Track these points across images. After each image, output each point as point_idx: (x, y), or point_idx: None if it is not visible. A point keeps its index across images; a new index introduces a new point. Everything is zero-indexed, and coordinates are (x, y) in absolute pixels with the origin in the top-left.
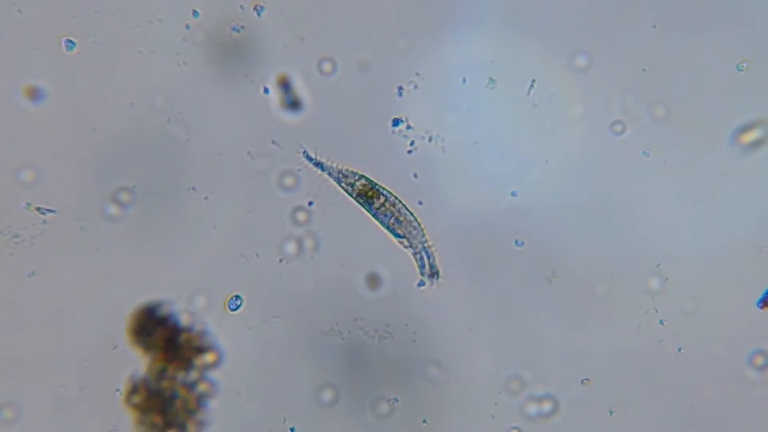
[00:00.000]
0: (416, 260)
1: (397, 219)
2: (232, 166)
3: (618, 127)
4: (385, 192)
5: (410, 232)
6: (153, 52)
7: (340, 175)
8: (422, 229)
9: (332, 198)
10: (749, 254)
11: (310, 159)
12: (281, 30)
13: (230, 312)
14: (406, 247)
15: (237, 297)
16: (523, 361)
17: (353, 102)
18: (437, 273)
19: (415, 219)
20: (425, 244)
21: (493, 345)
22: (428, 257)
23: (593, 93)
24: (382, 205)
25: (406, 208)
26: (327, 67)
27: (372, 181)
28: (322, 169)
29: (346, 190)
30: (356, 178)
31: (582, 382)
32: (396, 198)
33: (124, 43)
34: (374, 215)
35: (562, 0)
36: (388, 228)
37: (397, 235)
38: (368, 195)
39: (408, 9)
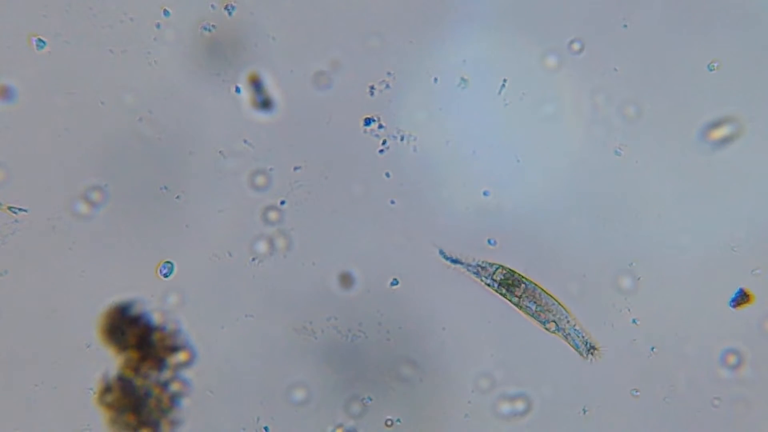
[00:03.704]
0: (569, 342)
1: (538, 305)
2: (203, 165)
3: (590, 127)
4: (524, 280)
5: (555, 316)
6: (124, 51)
7: (479, 269)
8: (566, 310)
9: (304, 197)
10: (721, 254)
11: (447, 257)
12: (252, 29)
13: (162, 278)
14: (553, 331)
15: (168, 263)
16: (495, 360)
17: (325, 101)
18: (594, 348)
19: (556, 301)
20: (573, 325)
21: (467, 344)
22: (579, 336)
23: (564, 92)
24: (524, 292)
25: (546, 292)
26: (299, 66)
27: (510, 269)
28: (461, 265)
29: (487, 283)
30: (494, 269)
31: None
32: (534, 284)
33: (95, 42)
34: (516, 304)
35: (533, 0)
36: (532, 315)
37: (543, 321)
38: (509, 284)
39: (380, 8)
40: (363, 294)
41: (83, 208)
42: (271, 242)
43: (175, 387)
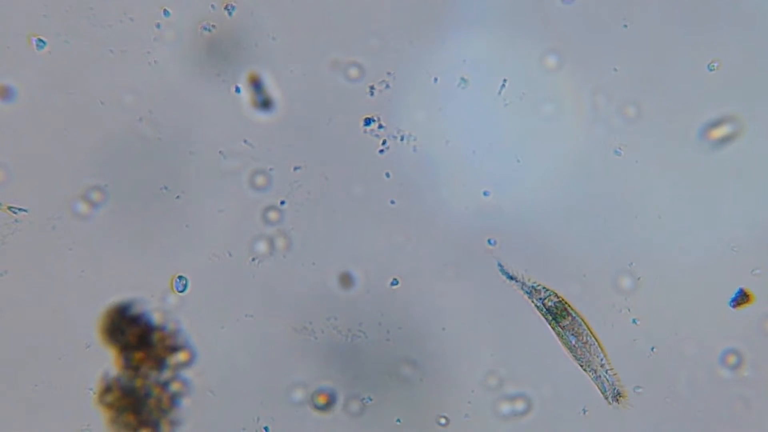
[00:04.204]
0: (597, 383)
1: (579, 340)
2: (203, 165)
3: (590, 127)
4: (572, 312)
5: (591, 355)
6: (124, 51)
7: (532, 290)
8: (603, 353)
9: (304, 197)
10: (721, 253)
11: (506, 273)
12: (252, 29)
13: (178, 293)
14: (585, 369)
15: (180, 277)
16: (496, 359)
17: (325, 101)
18: (620, 395)
19: (597, 342)
20: (606, 368)
21: (467, 344)
22: (609, 381)
23: (564, 92)
24: (569, 324)
25: (590, 329)
26: (299, 66)
27: (562, 299)
28: (516, 282)
29: (536, 305)
30: (547, 294)
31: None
32: (581, 319)
33: (95, 42)
34: (558, 334)
35: (533, 1)
36: (570, 348)
37: (578, 357)
38: (557, 313)
39: (380, 8)
40: (363, 294)
41: (83, 208)
42: (271, 242)
43: (175, 387)
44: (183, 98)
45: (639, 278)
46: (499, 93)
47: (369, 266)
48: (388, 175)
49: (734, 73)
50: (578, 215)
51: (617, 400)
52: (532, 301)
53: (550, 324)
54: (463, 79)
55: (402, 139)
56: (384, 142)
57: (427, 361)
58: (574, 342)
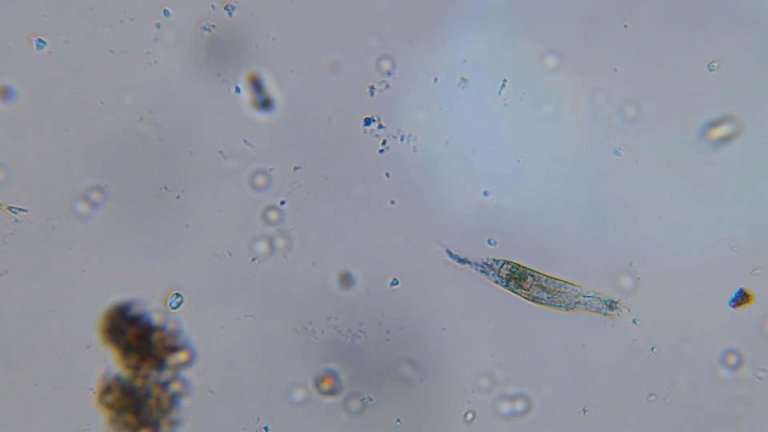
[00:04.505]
0: (591, 310)
1: (549, 292)
2: (203, 165)
3: (590, 127)
4: (529, 270)
5: (567, 296)
6: (124, 51)
7: (486, 267)
8: (573, 285)
9: (304, 197)
10: (721, 254)
11: (454, 257)
12: (252, 29)
13: (171, 309)
14: (571, 308)
15: (177, 295)
16: (495, 360)
17: (325, 101)
18: (614, 302)
19: (563, 281)
20: (586, 295)
21: (467, 344)
22: (595, 299)
23: (564, 92)
24: (533, 282)
25: (551, 277)
26: (299, 66)
27: (515, 264)
28: (467, 264)
29: (496, 281)
30: (500, 265)
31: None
32: (540, 273)
33: (95, 42)
34: (528, 297)
35: (533, 0)
36: (546, 303)
37: (558, 305)
38: (517, 278)
39: (380, 8)
40: (363, 294)
41: (83, 208)
42: (271, 242)
43: (175, 387)
44: (183, 98)
45: (639, 278)
46: (499, 93)
47: (369, 266)
48: (388, 175)
49: (734, 73)
50: (578, 215)
51: (616, 308)
52: (491, 278)
53: (516, 292)
54: (463, 79)
55: (402, 139)
56: (384, 142)
57: (427, 361)
58: (546, 296)
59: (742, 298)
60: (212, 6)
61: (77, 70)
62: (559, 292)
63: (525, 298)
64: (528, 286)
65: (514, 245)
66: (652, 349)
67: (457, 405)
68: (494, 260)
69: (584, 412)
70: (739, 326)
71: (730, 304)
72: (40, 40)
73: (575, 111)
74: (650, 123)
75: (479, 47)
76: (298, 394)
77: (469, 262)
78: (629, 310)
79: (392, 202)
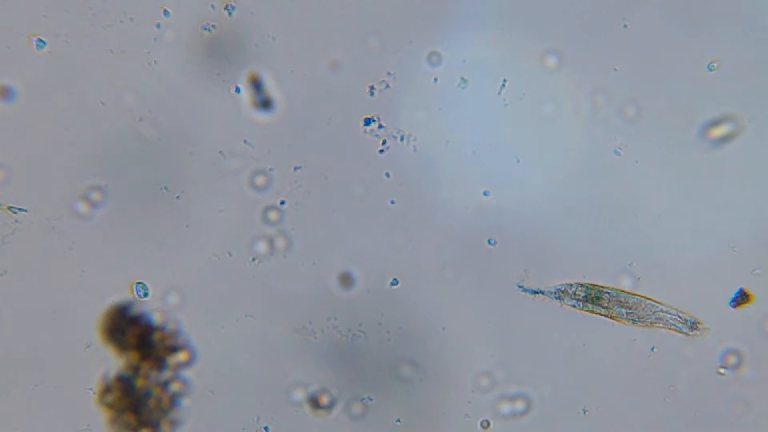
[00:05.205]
0: (672, 327)
1: (627, 308)
2: (203, 165)
3: (590, 127)
4: (605, 289)
5: (646, 311)
6: (124, 51)
7: (561, 294)
8: (653, 301)
9: (304, 197)
10: (721, 254)
11: (527, 290)
12: (252, 29)
13: (140, 299)
14: (650, 324)
15: (139, 283)
16: (495, 360)
17: (325, 101)
18: (696, 323)
19: (642, 297)
20: (666, 310)
21: (467, 344)
22: (677, 318)
23: (564, 92)
24: (610, 300)
25: (628, 293)
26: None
27: (588, 284)
28: (541, 294)
29: (573, 305)
30: (574, 289)
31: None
32: (616, 290)
33: (95, 42)
34: (607, 315)
35: (533, 0)
36: (626, 319)
37: (637, 320)
38: (593, 298)
39: (380, 8)
40: (363, 294)
41: (83, 208)
42: (271, 242)
43: (175, 387)
44: (183, 98)
45: (639, 278)
46: (499, 93)
47: (369, 266)
48: (388, 175)
49: (734, 73)
50: (578, 215)
51: (697, 328)
52: (567, 304)
53: (595, 312)
54: (463, 79)
55: (402, 139)
56: (384, 142)
57: (427, 361)
58: (625, 312)
59: (742, 298)
60: (212, 6)
61: (77, 70)
62: (637, 307)
63: (604, 315)
64: (606, 303)
65: (514, 245)
66: (652, 349)
67: (457, 405)
68: (567, 285)
69: (584, 412)
70: (739, 326)
71: (730, 304)
72: (40, 40)
73: (575, 111)
74: (650, 123)
75: (479, 47)
76: (298, 394)
77: (543, 292)
78: (710, 330)
79: (392, 202)
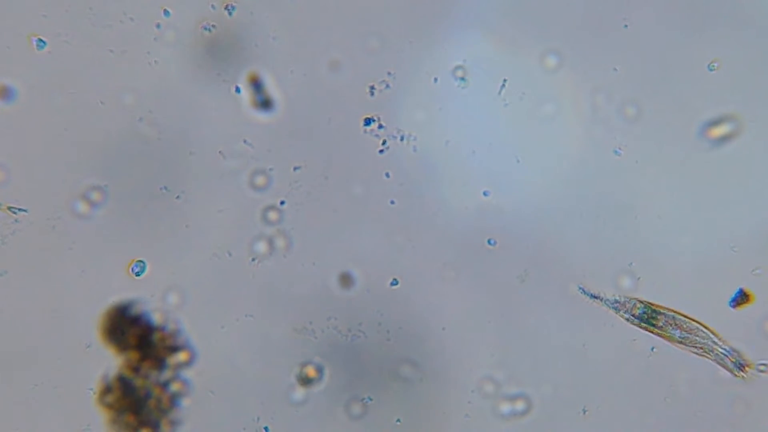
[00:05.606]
0: (719, 362)
1: (683, 331)
2: (203, 165)
3: (590, 127)
4: (662, 310)
5: (701, 339)
6: (124, 51)
7: (618, 305)
8: (711, 331)
9: (304, 197)
10: (721, 254)
11: (587, 293)
12: (252, 29)
13: (135, 277)
14: (701, 354)
15: (140, 261)
16: (496, 360)
17: (325, 101)
18: (745, 365)
19: (700, 324)
20: (720, 345)
21: (467, 344)
22: (729, 355)
23: (564, 92)
24: (666, 321)
25: (686, 317)
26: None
27: (647, 303)
28: (599, 300)
29: (627, 318)
30: (632, 304)
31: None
32: (674, 312)
33: (95, 42)
34: (661, 335)
35: (534, 0)
36: (678, 341)
37: (690, 346)
38: (649, 316)
39: (380, 8)
40: (363, 294)
41: (83, 208)
42: (271, 242)
43: (175, 387)
44: (183, 98)
45: (639, 278)
46: (499, 93)
47: (369, 266)
48: (388, 175)
49: (734, 73)
50: (578, 215)
51: (743, 370)
52: (621, 315)
53: (648, 330)
54: (463, 79)
55: (402, 139)
56: (384, 142)
57: (427, 361)
58: (679, 335)
59: (742, 298)
60: (212, 6)
61: (77, 70)
62: (692, 333)
63: (657, 335)
64: (661, 324)
65: (514, 245)
66: (652, 349)
67: (457, 405)
68: (626, 298)
69: (584, 412)
70: (739, 326)
71: (730, 304)
72: (40, 40)
73: (575, 111)
74: (650, 123)
75: (479, 47)
76: (298, 394)
77: (601, 299)
78: (759, 372)
79: (392, 202)
